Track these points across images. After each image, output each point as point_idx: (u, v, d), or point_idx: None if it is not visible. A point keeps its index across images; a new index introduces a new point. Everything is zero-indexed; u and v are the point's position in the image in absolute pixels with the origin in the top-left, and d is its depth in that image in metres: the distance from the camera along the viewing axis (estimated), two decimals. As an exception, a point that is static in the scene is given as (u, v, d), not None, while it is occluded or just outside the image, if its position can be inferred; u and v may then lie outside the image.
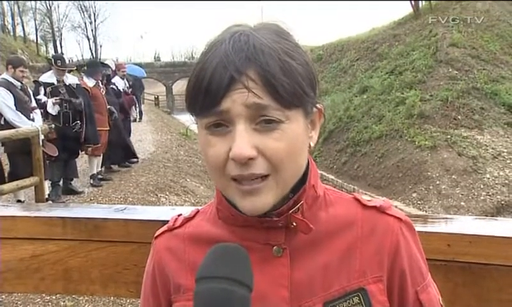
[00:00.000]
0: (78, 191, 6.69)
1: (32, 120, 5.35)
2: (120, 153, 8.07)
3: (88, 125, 6.45)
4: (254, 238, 0.67)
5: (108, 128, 7.22)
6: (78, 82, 6.64)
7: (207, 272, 0.58)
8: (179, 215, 0.78)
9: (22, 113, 5.20)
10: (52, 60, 6.39)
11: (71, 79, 6.51)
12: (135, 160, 9.16)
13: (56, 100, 6.07)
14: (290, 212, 0.65)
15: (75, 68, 8.18)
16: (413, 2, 21.38)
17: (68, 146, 6.29)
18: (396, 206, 0.73)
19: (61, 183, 6.49)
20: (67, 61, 6.84)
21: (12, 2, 39.69)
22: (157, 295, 0.75)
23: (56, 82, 6.21)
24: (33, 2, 43.23)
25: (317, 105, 0.68)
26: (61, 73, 6.26)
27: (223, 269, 0.57)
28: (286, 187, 0.64)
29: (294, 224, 0.65)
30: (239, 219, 0.67)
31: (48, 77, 6.29)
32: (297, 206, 0.66)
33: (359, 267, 0.66)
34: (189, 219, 0.76)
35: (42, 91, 6.10)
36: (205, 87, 0.60)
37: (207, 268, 0.59)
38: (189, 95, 0.63)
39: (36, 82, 6.38)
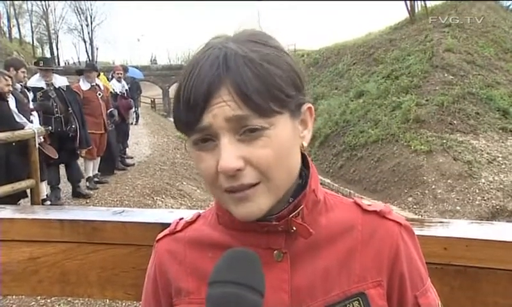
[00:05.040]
0: (83, 193, 6.65)
1: (31, 122, 5.31)
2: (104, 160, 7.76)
3: (80, 128, 6.25)
4: (255, 242, 0.67)
5: (102, 132, 7.13)
6: (68, 84, 6.39)
7: (219, 276, 0.58)
8: (180, 219, 0.78)
9: (23, 115, 5.16)
10: (37, 62, 6.19)
11: (60, 81, 6.23)
12: (131, 163, 9.15)
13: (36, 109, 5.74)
14: (291, 216, 0.65)
15: (60, 68, 7.89)
16: (408, 6, 21.52)
17: (65, 150, 6.19)
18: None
19: (60, 186, 6.44)
20: (54, 62, 6.55)
21: (8, 3, 39.61)
22: (158, 298, 0.75)
23: (45, 86, 5.96)
24: (29, 4, 43.19)
25: (305, 104, 0.67)
26: (47, 75, 5.99)
27: (236, 274, 0.58)
28: (279, 191, 0.64)
29: (294, 228, 0.66)
30: (238, 224, 0.67)
31: (37, 81, 6.03)
32: (297, 211, 0.66)
33: (359, 271, 0.67)
34: (190, 223, 0.76)
35: (30, 96, 5.78)
36: (185, 106, 0.60)
37: (219, 272, 0.59)
38: (174, 113, 0.64)
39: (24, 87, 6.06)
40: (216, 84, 0.58)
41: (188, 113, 0.60)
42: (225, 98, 0.58)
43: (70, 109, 6.12)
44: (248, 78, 0.58)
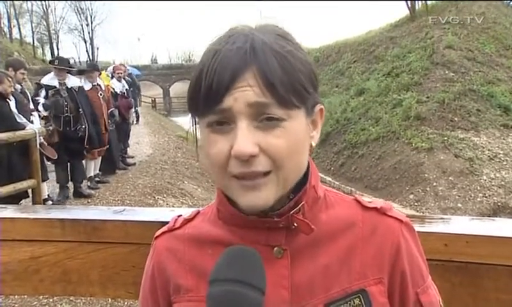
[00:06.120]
0: (85, 193, 6.68)
1: (32, 123, 5.33)
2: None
3: (91, 128, 6.37)
4: (255, 239, 0.66)
5: (103, 132, 7.13)
6: (80, 85, 6.50)
7: (220, 274, 0.59)
8: (179, 216, 0.78)
9: (22, 116, 5.19)
10: (52, 61, 6.33)
11: (73, 82, 6.34)
12: (132, 162, 9.15)
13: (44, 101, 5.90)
14: (292, 212, 0.65)
15: (73, 68, 8.00)
16: (409, 4, 21.47)
17: (71, 149, 6.24)
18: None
19: (69, 185, 6.47)
20: (69, 63, 6.59)
21: (8, 4, 39.59)
22: (156, 295, 0.75)
23: (57, 85, 6.08)
24: (29, 5, 43.14)
25: (318, 105, 0.68)
26: (61, 74, 6.11)
27: (236, 272, 0.58)
28: (287, 184, 0.64)
29: (295, 224, 0.65)
30: (239, 220, 0.67)
31: (50, 79, 6.16)
32: (298, 207, 0.66)
33: (359, 268, 0.66)
34: (189, 220, 0.76)
35: (43, 93, 5.97)
36: (207, 86, 0.60)
37: (220, 270, 0.59)
38: (191, 94, 0.63)
39: (37, 84, 6.26)
40: (243, 68, 0.59)
41: (209, 93, 0.60)
42: (250, 82, 0.59)
43: (80, 109, 6.22)
44: (274, 68, 0.59)
